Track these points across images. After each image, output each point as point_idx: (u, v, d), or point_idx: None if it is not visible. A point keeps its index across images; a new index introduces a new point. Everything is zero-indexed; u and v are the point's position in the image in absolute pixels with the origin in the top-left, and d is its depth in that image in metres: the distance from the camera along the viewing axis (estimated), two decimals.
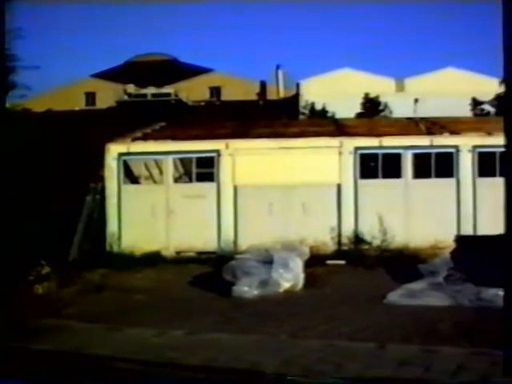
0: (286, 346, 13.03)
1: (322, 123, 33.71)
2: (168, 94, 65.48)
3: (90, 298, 18.57)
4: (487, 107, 56.23)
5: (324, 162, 24.24)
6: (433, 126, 28.46)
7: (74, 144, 29.51)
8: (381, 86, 57.22)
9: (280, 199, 24.14)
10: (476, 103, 55.83)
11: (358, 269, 21.76)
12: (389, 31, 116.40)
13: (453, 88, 56.46)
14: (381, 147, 24.45)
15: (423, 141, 24.91)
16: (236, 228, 24.33)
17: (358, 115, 51.06)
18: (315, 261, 21.31)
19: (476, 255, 19.51)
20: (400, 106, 52.28)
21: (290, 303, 17.48)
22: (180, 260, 23.69)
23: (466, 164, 24.27)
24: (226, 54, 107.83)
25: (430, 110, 46.75)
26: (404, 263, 21.23)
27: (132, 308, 17.36)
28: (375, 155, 24.55)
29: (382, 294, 17.43)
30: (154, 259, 23.29)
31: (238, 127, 29.22)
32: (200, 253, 24.14)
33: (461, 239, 22.14)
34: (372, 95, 54.97)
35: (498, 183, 24.62)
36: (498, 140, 24.86)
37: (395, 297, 17.26)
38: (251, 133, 27.31)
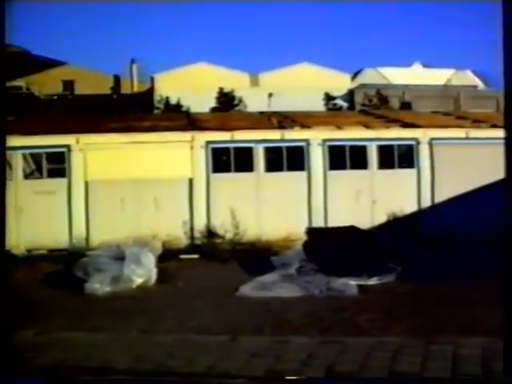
0: (138, 342, 12.89)
1: (175, 117, 33.52)
2: (19, 88, 63.67)
3: None
4: (340, 102, 57.43)
5: (176, 156, 24.20)
6: (284, 120, 28.83)
7: None
8: (235, 80, 57.49)
9: (132, 194, 23.93)
10: (329, 98, 56.86)
11: (212, 263, 21.82)
12: (243, 27, 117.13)
13: (307, 83, 57.39)
14: (232, 141, 24.59)
15: (274, 135, 25.20)
16: (88, 224, 23.95)
17: (213, 110, 51.11)
18: (168, 255, 21.26)
19: (327, 246, 19.97)
20: (255, 101, 52.62)
21: (142, 299, 17.38)
22: (31, 258, 23.07)
23: (317, 157, 24.71)
24: (79, 47, 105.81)
25: (284, 104, 47.27)
26: (257, 256, 21.43)
27: None
28: (227, 149, 24.69)
29: (235, 287, 17.56)
30: None
31: (90, 122, 28.72)
32: (51, 250, 23.61)
33: (312, 231, 22.58)
34: (226, 90, 55.13)
35: (348, 176, 25.47)
36: (347, 133, 25.78)
37: (247, 289, 17.42)
38: (102, 127, 26.88)
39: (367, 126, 26.94)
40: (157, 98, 55.65)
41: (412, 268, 19.20)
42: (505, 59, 8.05)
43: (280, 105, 48.23)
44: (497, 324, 13.18)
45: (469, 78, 70.48)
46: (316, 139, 24.80)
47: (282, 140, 24.91)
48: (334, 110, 51.70)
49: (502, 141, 25.60)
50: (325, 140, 24.88)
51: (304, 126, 26.35)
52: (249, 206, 24.03)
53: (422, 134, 25.72)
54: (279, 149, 24.85)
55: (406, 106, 55.18)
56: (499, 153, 25.49)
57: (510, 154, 8.41)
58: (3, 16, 7.90)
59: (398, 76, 65.74)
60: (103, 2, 69.05)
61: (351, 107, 55.66)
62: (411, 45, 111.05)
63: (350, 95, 59.63)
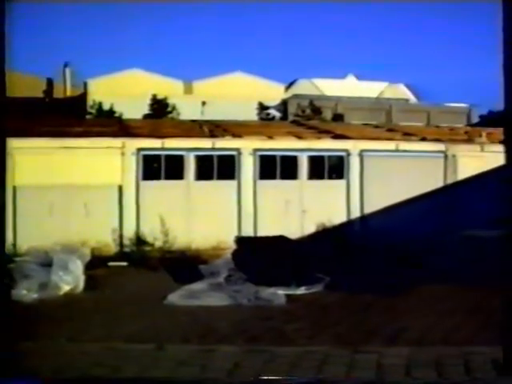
0: (64, 349, 12.74)
1: (107, 123, 33.27)
2: None
3: None
4: (273, 112, 57.64)
5: (106, 162, 24.07)
6: (216, 128, 28.86)
7: None
8: (169, 87, 57.33)
9: (61, 200, 23.69)
10: (262, 108, 57.04)
11: (140, 270, 21.74)
12: (178, 34, 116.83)
13: (240, 92, 57.54)
14: (163, 149, 24.58)
15: (205, 143, 25.26)
16: (15, 230, 23.60)
17: (146, 116, 50.86)
18: (97, 263, 21.06)
19: (255, 255, 20.03)
20: (188, 109, 52.57)
21: (69, 306, 17.17)
22: None
23: (248, 166, 24.84)
24: (11, 49, 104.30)
25: (217, 113, 47.37)
26: (186, 264, 21.39)
27: None
28: (158, 156, 24.63)
29: (163, 295, 17.48)
30: None
31: (19, 125, 28.27)
32: None
33: (241, 240, 22.62)
34: (160, 97, 54.89)
35: (278, 185, 25.61)
36: (278, 144, 25.95)
37: (175, 298, 17.35)
38: (33, 131, 26.53)
39: (298, 137, 27.16)
40: (90, 103, 55.15)
41: (340, 277, 19.38)
42: (505, 60, 8.09)
43: (213, 113, 48.31)
44: (422, 333, 13.47)
45: (401, 91, 71.54)
46: (247, 149, 24.95)
47: (213, 149, 24.99)
48: (267, 120, 51.93)
49: (431, 154, 26.05)
50: (256, 149, 25.04)
51: (235, 135, 26.46)
52: (179, 214, 24.04)
53: (353, 146, 26.07)
54: (210, 157, 24.91)
55: (338, 117, 55.66)
56: (428, 165, 26.05)
57: (510, 154, 8.48)
58: (3, 16, 7.88)
59: (331, 87, 66.31)
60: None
61: (284, 117, 55.91)
62: (346, 56, 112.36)
63: (283, 105, 59.95)
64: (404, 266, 20.94)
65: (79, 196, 23.73)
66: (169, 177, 24.61)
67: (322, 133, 29.03)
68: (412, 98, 71.49)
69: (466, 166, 26.77)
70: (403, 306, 16.53)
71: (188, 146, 24.75)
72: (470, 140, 28.87)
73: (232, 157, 24.98)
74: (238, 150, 24.94)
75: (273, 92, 60.52)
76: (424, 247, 22.46)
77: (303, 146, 25.73)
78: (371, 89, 69.24)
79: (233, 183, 24.81)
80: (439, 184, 26.56)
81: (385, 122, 53.54)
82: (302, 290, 18.27)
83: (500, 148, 29.53)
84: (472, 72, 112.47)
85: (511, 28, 8.04)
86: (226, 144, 25.44)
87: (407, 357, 11.39)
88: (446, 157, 26.67)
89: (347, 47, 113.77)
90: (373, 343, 12.82)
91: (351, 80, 70.83)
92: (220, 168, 24.92)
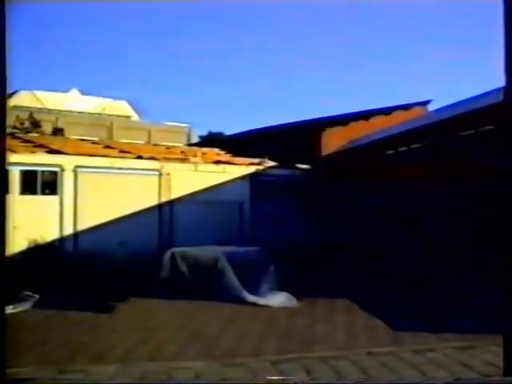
0: None
1: None
2: None
3: None
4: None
5: None
6: None
7: None
8: None
9: None
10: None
11: None
12: None
13: None
14: None
15: None
16: None
17: None
18: None
19: None
20: None
21: None
22: None
23: None
24: None
25: None
26: None
27: None
28: None
29: None
30: None
31: None
32: None
33: None
34: None
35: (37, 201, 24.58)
36: (40, 158, 25.07)
37: None
38: None
39: (12, 150, 26.39)
40: None
41: (50, 295, 19.07)
42: (505, 59, 8.10)
43: None
44: (129, 350, 13.47)
45: (124, 108, 71.93)
46: None
47: None
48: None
49: (146, 171, 26.25)
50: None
51: None
52: None
53: (67, 161, 25.76)
54: None
55: (58, 131, 54.89)
56: (143, 182, 26.23)
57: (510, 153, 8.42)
58: (3, 16, 7.44)
59: (53, 100, 65.38)
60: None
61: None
62: (70, 70, 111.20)
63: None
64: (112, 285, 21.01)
65: None
66: None
67: (37, 147, 28.38)
68: (134, 116, 72.12)
69: (179, 183, 27.38)
70: (112, 324, 16.53)
71: None
72: (185, 159, 29.51)
73: None
74: None
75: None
76: (142, 263, 22.68)
77: (16, 160, 24.96)
78: (94, 104, 69.06)
79: None
80: (154, 201, 26.95)
81: (105, 138, 53.56)
82: (8, 309, 17.66)
83: (212, 168, 30.58)
84: (191, 95, 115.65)
85: (511, 27, 8.22)
86: None
87: (113, 375, 11.39)
88: (160, 175, 27.13)
89: (72, 60, 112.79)
90: (78, 362, 12.65)
91: (74, 94, 70.22)
92: None
